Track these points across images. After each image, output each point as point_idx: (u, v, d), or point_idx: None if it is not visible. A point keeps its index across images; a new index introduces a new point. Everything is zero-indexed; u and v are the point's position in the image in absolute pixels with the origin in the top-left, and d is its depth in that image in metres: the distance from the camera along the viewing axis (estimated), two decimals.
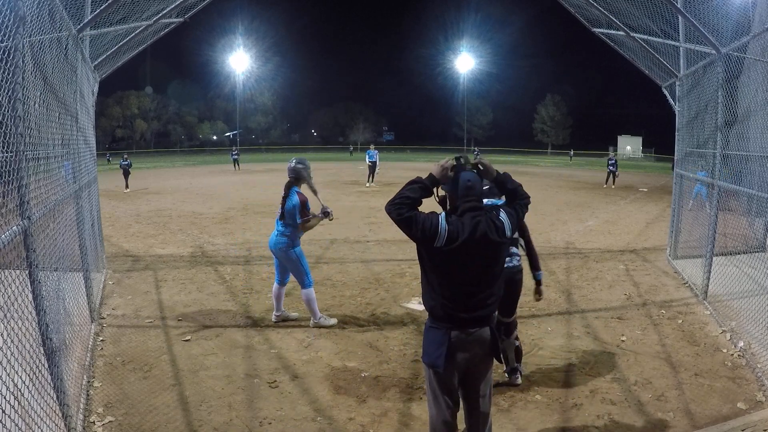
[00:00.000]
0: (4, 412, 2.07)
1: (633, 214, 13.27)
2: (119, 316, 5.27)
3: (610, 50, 8.43)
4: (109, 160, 19.43)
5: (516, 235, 3.74)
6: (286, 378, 3.97)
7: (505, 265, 2.91)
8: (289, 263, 4.94)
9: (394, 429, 3.30)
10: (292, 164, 5.04)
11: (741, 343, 4.52)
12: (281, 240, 4.90)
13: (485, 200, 2.55)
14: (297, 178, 5.01)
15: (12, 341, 2.26)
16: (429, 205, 2.49)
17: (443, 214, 2.42)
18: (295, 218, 4.85)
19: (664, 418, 3.43)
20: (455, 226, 2.36)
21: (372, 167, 21.33)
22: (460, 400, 2.58)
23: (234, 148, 37.35)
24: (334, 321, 5.07)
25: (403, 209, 2.40)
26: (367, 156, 22.19)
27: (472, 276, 2.39)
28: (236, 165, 31.22)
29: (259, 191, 18.40)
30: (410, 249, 8.57)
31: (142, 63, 55.73)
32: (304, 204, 4.87)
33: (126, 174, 18.82)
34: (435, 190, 2.56)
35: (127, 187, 18.43)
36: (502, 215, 2.47)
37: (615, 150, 53.38)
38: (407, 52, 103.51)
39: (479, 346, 2.45)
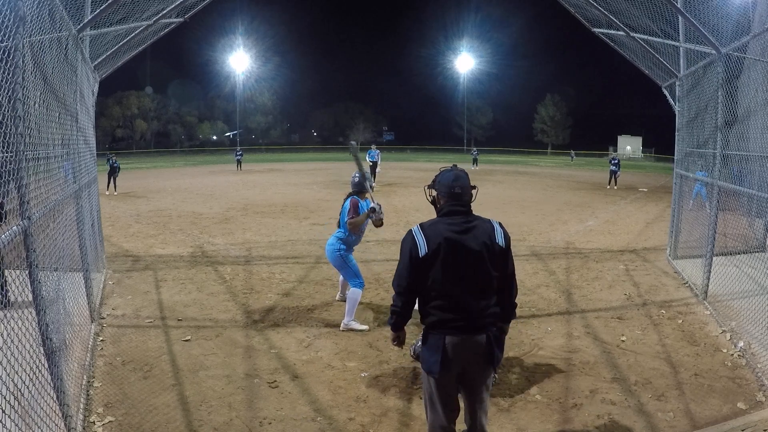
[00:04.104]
0: (4, 412, 2.07)
1: (633, 214, 13.27)
2: (119, 316, 5.27)
3: (610, 50, 8.43)
4: (109, 159, 18.80)
5: None
6: (286, 378, 3.97)
7: None
8: (338, 264, 5.12)
9: (394, 429, 3.30)
10: (356, 179, 5.19)
11: (741, 343, 4.52)
12: (332, 243, 5.13)
13: None
14: (358, 191, 5.17)
15: (12, 341, 2.26)
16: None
17: (416, 227, 2.47)
18: (345, 218, 5.04)
19: (664, 418, 3.43)
20: (431, 230, 2.40)
21: (373, 167, 21.19)
22: (461, 404, 2.59)
23: (238, 148, 37.33)
24: (365, 327, 5.01)
25: (403, 309, 2.52)
26: (368, 156, 22.01)
27: (463, 281, 2.39)
28: (239, 165, 31.16)
29: (259, 191, 18.40)
30: None
31: (142, 63, 55.85)
32: (354, 206, 5.05)
33: (112, 174, 17.80)
34: (426, 190, 2.60)
35: (108, 188, 17.35)
36: (494, 223, 2.50)
37: (615, 150, 53.44)
38: (407, 52, 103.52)
39: (474, 352, 2.43)
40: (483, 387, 2.53)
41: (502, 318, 2.61)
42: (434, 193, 2.57)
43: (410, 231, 2.46)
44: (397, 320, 2.55)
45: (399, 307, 2.51)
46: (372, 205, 5.05)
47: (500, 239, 2.45)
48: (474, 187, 2.56)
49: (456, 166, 2.59)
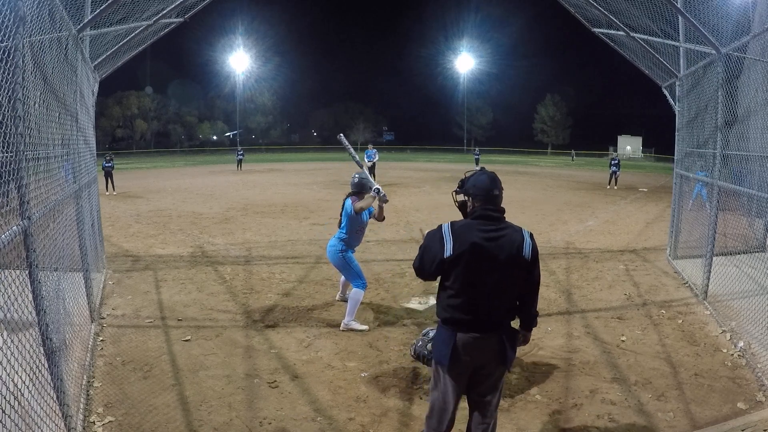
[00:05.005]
0: (4, 412, 2.07)
1: (633, 214, 13.27)
2: (119, 316, 5.27)
3: (610, 50, 8.43)
4: (107, 157, 18.88)
5: None
6: (286, 378, 3.97)
7: None
8: (339, 265, 5.13)
9: (394, 429, 3.30)
10: (356, 179, 5.18)
11: (741, 343, 4.52)
12: (333, 243, 5.14)
13: None
14: (358, 191, 5.14)
15: (12, 341, 2.26)
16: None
17: (446, 225, 2.44)
18: (352, 216, 5.00)
19: (664, 418, 3.43)
20: (461, 232, 2.38)
21: (372, 168, 21.09)
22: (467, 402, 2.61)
23: (239, 148, 37.47)
24: (365, 327, 5.01)
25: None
26: (366, 156, 21.92)
27: (483, 288, 2.39)
28: (239, 165, 31.17)
29: (259, 191, 18.40)
30: (410, 249, 8.57)
31: (142, 63, 55.84)
32: (354, 201, 5.05)
33: (108, 175, 17.72)
34: (454, 195, 2.58)
35: (108, 189, 17.20)
36: (525, 234, 2.45)
37: (615, 150, 53.48)
38: (407, 52, 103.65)
39: (484, 351, 2.44)
40: (490, 390, 2.52)
41: (522, 325, 2.64)
42: (462, 197, 2.54)
43: (440, 227, 2.44)
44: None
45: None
46: (375, 186, 4.98)
47: (527, 252, 2.41)
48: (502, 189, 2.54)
49: (484, 168, 2.57)
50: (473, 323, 2.41)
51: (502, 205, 2.50)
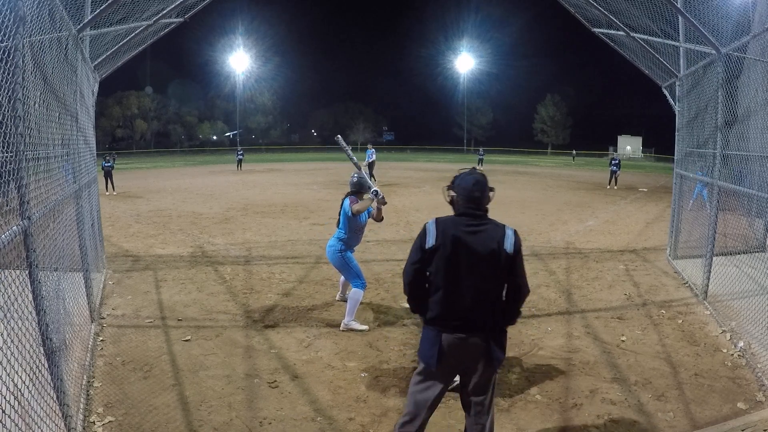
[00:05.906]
0: (4, 412, 2.07)
1: (633, 214, 13.27)
2: (119, 316, 5.27)
3: (610, 50, 8.43)
4: (107, 157, 18.86)
5: None
6: (286, 378, 3.97)
7: None
8: (339, 265, 5.13)
9: None
10: (354, 179, 5.18)
11: (741, 343, 4.52)
12: (332, 243, 5.13)
13: None
14: (357, 191, 5.14)
15: (12, 341, 2.25)
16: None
17: (432, 219, 2.53)
18: (351, 217, 4.99)
19: (664, 418, 3.43)
20: (444, 225, 2.46)
21: (371, 166, 21.24)
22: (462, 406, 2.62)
23: (239, 148, 37.55)
24: (365, 327, 5.01)
25: (415, 306, 2.60)
26: (366, 156, 22.09)
27: (464, 281, 2.41)
28: (239, 165, 31.18)
29: (259, 191, 18.40)
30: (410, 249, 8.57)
31: (142, 63, 55.94)
32: (353, 201, 5.05)
33: (108, 175, 17.65)
34: (445, 190, 2.63)
35: (107, 189, 17.16)
36: (508, 231, 2.48)
37: (615, 150, 53.54)
38: (407, 52, 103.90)
39: (471, 352, 2.45)
40: (484, 387, 2.53)
41: (502, 321, 2.62)
42: (452, 194, 2.59)
43: (426, 222, 2.54)
44: (414, 310, 2.65)
45: (411, 304, 2.62)
46: (374, 188, 5.01)
47: (509, 246, 2.43)
48: (492, 190, 2.56)
49: (476, 169, 2.61)
50: (457, 322, 2.43)
51: (487, 206, 2.54)
